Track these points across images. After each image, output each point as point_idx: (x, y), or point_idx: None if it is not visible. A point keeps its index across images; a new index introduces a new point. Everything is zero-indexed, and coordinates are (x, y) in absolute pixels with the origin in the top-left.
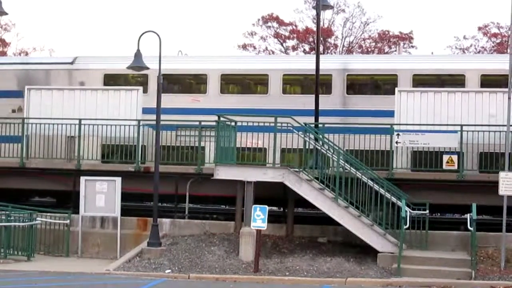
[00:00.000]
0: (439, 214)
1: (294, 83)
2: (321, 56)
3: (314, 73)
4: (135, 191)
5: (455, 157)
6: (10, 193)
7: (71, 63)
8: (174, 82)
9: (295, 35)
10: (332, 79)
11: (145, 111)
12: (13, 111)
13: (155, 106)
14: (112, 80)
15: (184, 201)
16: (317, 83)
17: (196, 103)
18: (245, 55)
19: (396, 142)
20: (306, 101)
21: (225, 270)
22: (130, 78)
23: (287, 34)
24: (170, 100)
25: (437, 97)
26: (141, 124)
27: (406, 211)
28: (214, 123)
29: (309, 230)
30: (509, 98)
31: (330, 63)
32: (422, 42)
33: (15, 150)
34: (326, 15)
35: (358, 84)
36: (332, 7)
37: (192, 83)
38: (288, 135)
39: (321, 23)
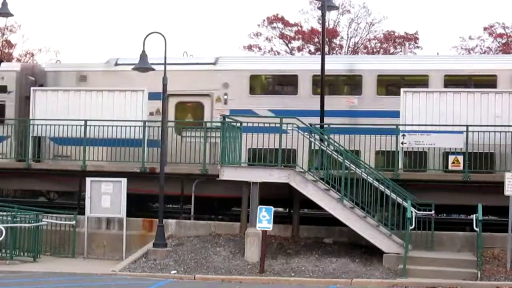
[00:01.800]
0: (445, 214)
1: None
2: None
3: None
4: (140, 192)
5: (460, 158)
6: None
7: (214, 63)
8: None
9: (300, 36)
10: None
11: (296, 113)
12: (151, 113)
13: (308, 109)
14: (256, 80)
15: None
16: (322, 84)
17: (350, 105)
18: (405, 56)
19: (402, 143)
20: None
21: (230, 271)
22: (277, 79)
23: (292, 34)
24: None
25: (442, 97)
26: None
27: (411, 212)
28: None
29: (315, 231)
30: None
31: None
32: (427, 43)
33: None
34: (331, 15)
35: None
36: (337, 8)
37: (346, 84)
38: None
39: (326, 24)
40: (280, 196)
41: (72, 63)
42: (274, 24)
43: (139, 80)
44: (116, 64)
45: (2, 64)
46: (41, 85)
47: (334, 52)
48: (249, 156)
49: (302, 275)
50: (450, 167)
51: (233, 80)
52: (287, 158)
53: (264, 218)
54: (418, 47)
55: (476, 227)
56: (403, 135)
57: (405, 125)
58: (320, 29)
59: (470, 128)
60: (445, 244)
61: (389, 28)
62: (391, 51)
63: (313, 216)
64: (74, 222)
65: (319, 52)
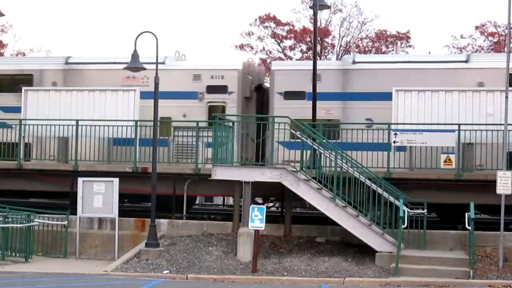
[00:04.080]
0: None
1: None
2: None
3: None
4: (133, 192)
5: (452, 156)
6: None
7: (466, 61)
8: None
9: (292, 35)
10: None
11: None
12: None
13: None
14: None
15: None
16: (314, 81)
17: None
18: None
19: (394, 142)
20: None
21: (223, 271)
22: None
23: (284, 34)
24: None
25: (434, 96)
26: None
27: (404, 211)
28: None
29: (307, 230)
30: (506, 97)
31: None
32: (419, 42)
33: None
34: (323, 15)
35: None
36: (329, 7)
37: None
38: None
39: (318, 23)
40: (273, 196)
41: (299, 61)
42: (266, 24)
43: (380, 78)
44: (354, 62)
45: (222, 62)
46: (260, 85)
47: (326, 51)
48: None
49: (295, 274)
50: (442, 166)
51: (489, 79)
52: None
53: (257, 218)
54: (410, 46)
55: (468, 225)
56: (395, 134)
57: (397, 123)
58: (312, 28)
59: (462, 127)
60: (437, 242)
61: (381, 27)
62: (383, 50)
63: (306, 215)
64: (66, 222)
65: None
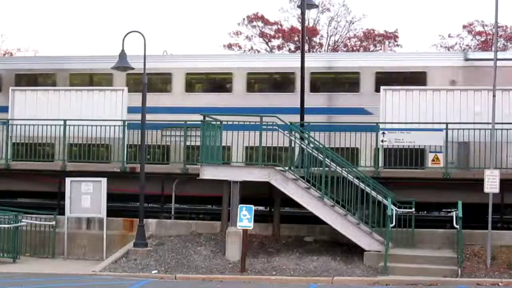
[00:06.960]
0: (425, 212)
1: None
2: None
3: None
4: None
5: (440, 155)
6: None
7: None
8: None
9: (280, 35)
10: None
11: None
12: None
13: None
14: None
15: (170, 202)
16: (302, 81)
17: None
18: None
19: (382, 141)
20: None
21: (211, 270)
22: None
23: (272, 33)
24: None
25: (422, 95)
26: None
27: (392, 210)
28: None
29: (296, 230)
30: (493, 95)
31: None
32: (407, 41)
33: None
34: (311, 14)
35: None
36: (317, 6)
37: None
38: None
39: (306, 22)
40: (261, 195)
41: None
42: (254, 23)
43: None
44: None
45: None
46: None
47: (314, 50)
48: None
49: (283, 273)
50: (430, 165)
51: None
52: None
53: (245, 217)
54: (397, 45)
55: (456, 224)
56: (383, 133)
57: (385, 123)
58: (300, 28)
59: (449, 126)
60: (425, 241)
61: (368, 26)
62: (371, 49)
63: (294, 214)
64: (54, 223)
65: (298, 51)
